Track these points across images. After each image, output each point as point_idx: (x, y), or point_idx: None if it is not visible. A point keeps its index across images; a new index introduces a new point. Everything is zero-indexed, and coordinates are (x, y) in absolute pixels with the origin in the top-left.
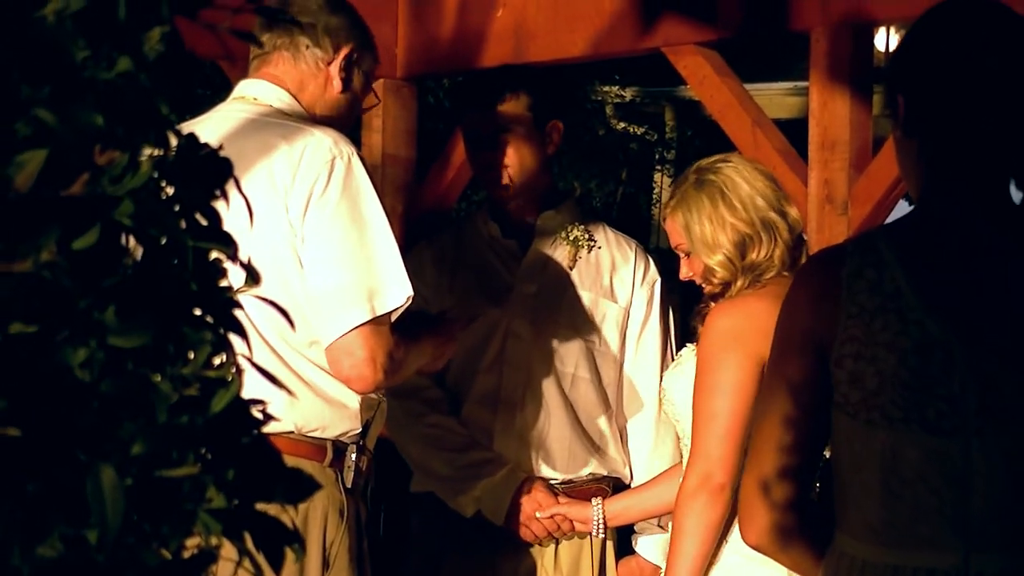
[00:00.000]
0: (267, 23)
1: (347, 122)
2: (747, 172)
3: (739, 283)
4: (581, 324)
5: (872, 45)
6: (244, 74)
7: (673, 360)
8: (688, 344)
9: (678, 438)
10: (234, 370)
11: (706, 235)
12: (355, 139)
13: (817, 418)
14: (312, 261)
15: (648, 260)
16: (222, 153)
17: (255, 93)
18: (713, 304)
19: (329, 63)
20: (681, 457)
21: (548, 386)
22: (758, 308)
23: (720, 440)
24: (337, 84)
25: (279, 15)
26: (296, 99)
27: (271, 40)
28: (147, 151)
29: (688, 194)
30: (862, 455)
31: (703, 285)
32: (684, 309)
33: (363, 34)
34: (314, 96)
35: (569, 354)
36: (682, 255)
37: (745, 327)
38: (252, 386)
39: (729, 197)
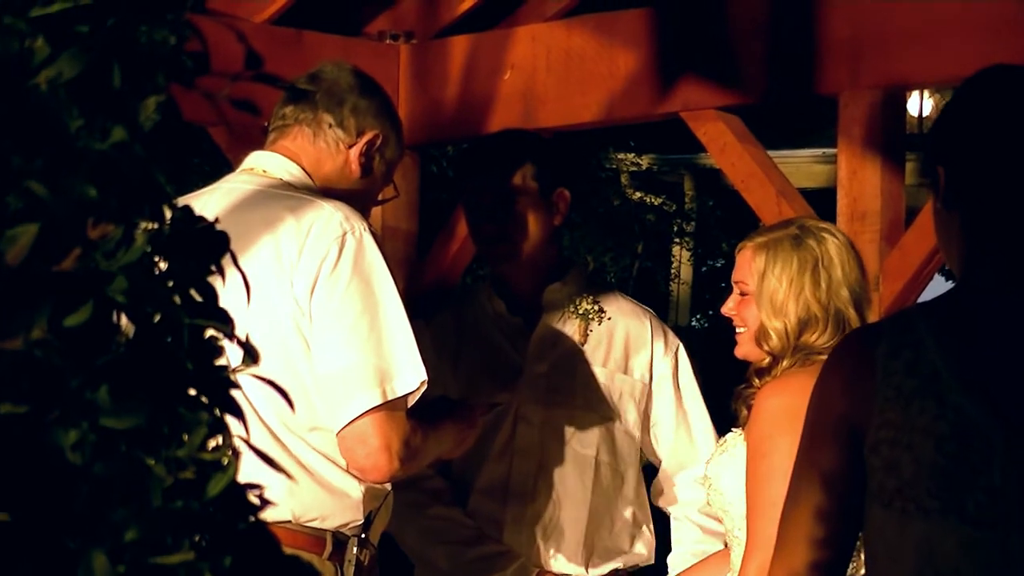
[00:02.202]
0: (292, 96)
1: (359, 209)
2: (848, 258)
3: (786, 362)
4: (597, 404)
5: (904, 110)
6: (237, 141)
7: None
8: (733, 429)
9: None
10: (231, 453)
11: (777, 295)
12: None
13: (850, 508)
14: (320, 342)
15: (665, 328)
16: (222, 226)
17: (265, 165)
18: (757, 381)
19: (350, 146)
20: (728, 548)
21: (563, 473)
22: (810, 385)
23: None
24: (356, 169)
25: (301, 92)
26: (309, 176)
27: (293, 113)
28: (142, 225)
29: (782, 245)
30: (896, 547)
31: (739, 335)
32: (704, 390)
33: (392, 121)
34: (330, 177)
35: (587, 437)
36: (737, 292)
37: (798, 406)
38: (249, 470)
39: (819, 272)
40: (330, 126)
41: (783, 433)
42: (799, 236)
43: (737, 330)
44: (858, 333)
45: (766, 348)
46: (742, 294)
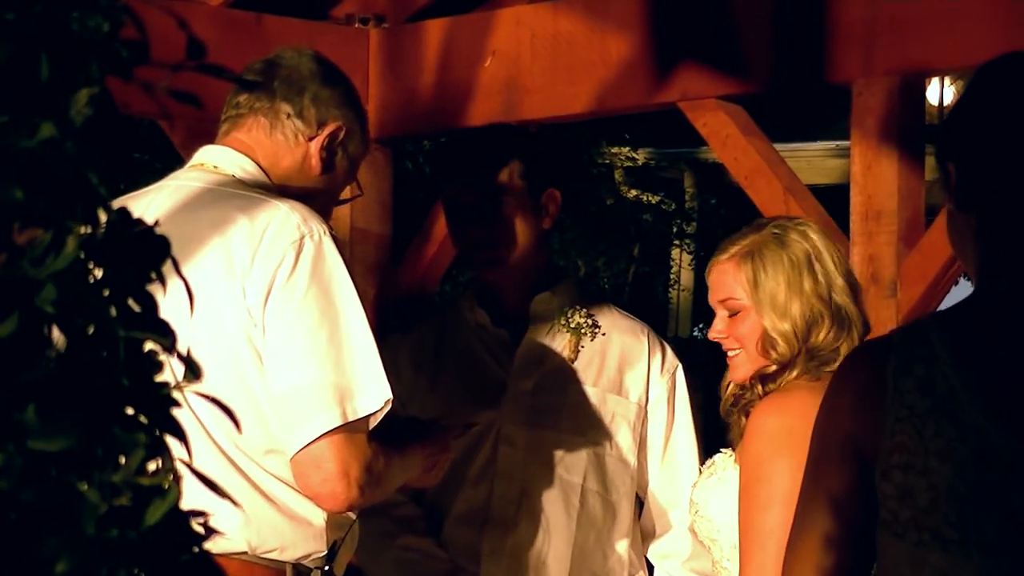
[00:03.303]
0: (246, 84)
1: (320, 209)
2: (832, 247)
3: (796, 371)
4: (587, 427)
5: (923, 99)
6: (192, 136)
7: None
8: (722, 450)
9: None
10: (171, 477)
11: (779, 296)
12: (325, 214)
13: (863, 537)
14: (274, 357)
15: (664, 346)
16: (167, 229)
17: (216, 161)
18: (761, 388)
19: (311, 138)
20: None
21: (548, 501)
22: (811, 403)
23: (777, 559)
24: (316, 164)
25: (255, 81)
26: (265, 172)
27: (248, 102)
28: (73, 229)
29: (767, 246)
30: None
31: (732, 354)
32: (708, 406)
33: (356, 112)
34: (288, 173)
35: (575, 463)
36: (723, 312)
37: (798, 426)
38: (194, 496)
39: (815, 267)
40: (288, 116)
41: (782, 455)
42: (779, 235)
43: (729, 354)
44: (867, 347)
45: (774, 356)
46: (731, 313)
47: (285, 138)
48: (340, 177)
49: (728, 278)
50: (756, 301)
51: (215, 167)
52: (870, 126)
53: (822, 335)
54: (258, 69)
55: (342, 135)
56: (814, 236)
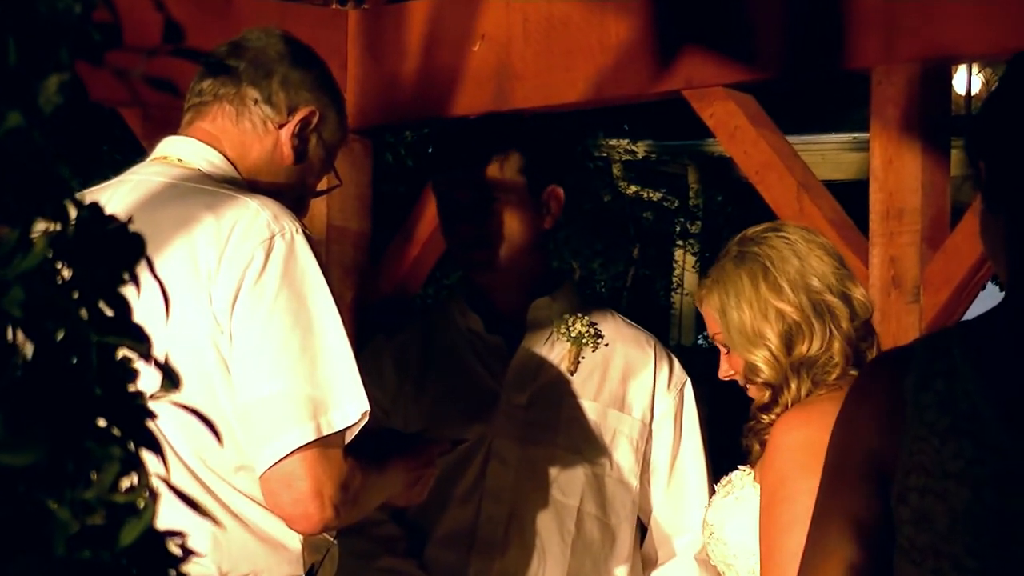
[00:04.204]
0: (210, 68)
1: (294, 203)
2: (801, 244)
3: (793, 386)
4: (585, 444)
5: (949, 88)
6: (154, 125)
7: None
8: (739, 467)
9: None
10: (147, 494)
11: (745, 324)
12: (300, 208)
13: (879, 560)
14: (242, 366)
15: (671, 358)
16: (133, 227)
17: (180, 153)
18: (766, 417)
19: (281, 125)
20: None
21: (541, 524)
22: (835, 415)
23: None
24: (288, 153)
25: (219, 65)
26: (233, 164)
27: (212, 88)
28: (41, 226)
29: (726, 271)
30: None
31: (747, 387)
32: (713, 421)
33: (331, 96)
34: (257, 165)
35: (571, 483)
36: (721, 348)
37: (822, 440)
38: (169, 514)
39: (773, 275)
40: (256, 102)
41: (806, 473)
42: (740, 252)
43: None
44: (885, 358)
45: (760, 381)
46: (726, 348)
47: (253, 126)
48: (315, 167)
49: (708, 313)
50: (727, 334)
51: (179, 160)
52: (891, 117)
53: (804, 345)
54: (223, 52)
55: (315, 121)
56: (774, 240)
